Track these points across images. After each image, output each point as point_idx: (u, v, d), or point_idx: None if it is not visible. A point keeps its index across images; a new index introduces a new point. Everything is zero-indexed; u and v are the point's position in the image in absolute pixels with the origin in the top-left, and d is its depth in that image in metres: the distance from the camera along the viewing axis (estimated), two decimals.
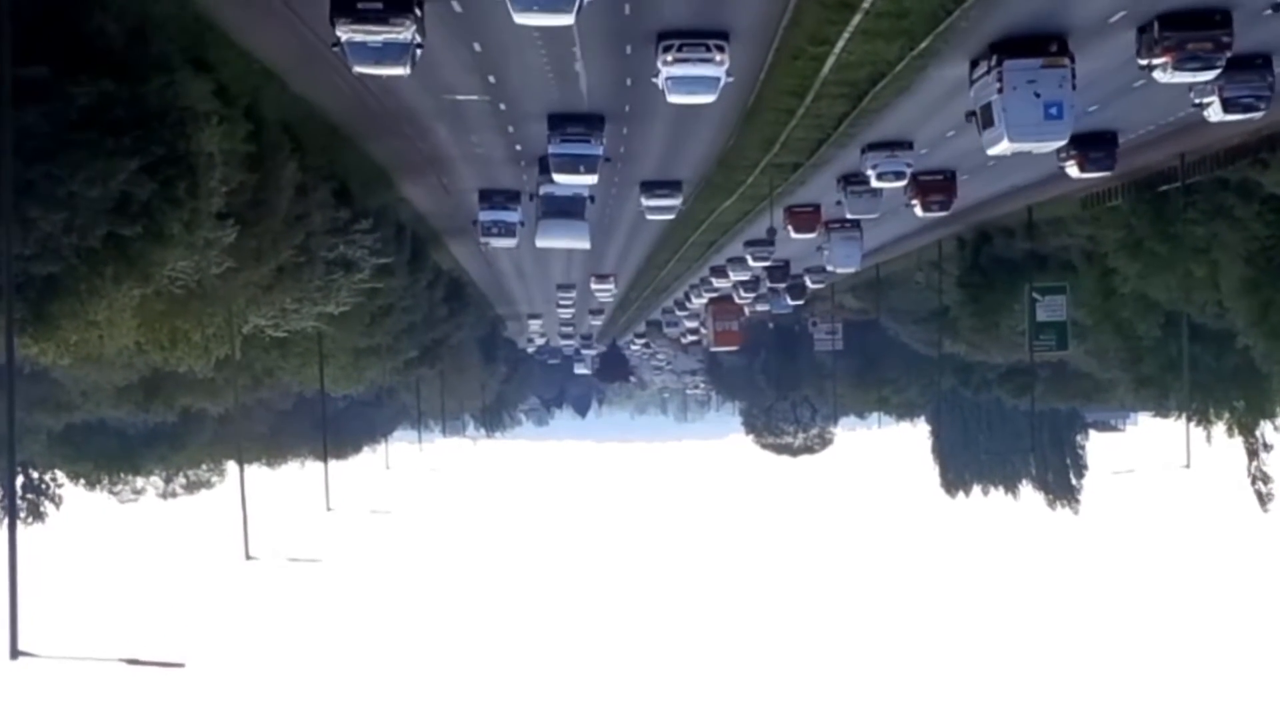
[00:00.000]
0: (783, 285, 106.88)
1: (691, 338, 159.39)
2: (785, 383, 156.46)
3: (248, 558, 55.09)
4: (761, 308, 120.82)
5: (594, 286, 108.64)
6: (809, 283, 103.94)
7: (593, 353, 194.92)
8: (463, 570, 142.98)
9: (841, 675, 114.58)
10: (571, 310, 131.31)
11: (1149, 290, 71.86)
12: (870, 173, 56.85)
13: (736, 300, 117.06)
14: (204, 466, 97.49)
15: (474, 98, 48.78)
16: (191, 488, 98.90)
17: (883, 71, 45.53)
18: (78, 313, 36.84)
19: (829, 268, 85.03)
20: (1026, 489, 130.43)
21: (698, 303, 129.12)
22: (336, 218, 54.94)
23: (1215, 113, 44.49)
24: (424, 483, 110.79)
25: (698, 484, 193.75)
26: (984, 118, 42.71)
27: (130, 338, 44.71)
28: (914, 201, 62.21)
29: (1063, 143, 44.69)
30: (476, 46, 42.63)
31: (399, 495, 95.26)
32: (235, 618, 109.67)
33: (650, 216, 69.21)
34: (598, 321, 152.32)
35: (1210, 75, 40.10)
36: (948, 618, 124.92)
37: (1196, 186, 64.59)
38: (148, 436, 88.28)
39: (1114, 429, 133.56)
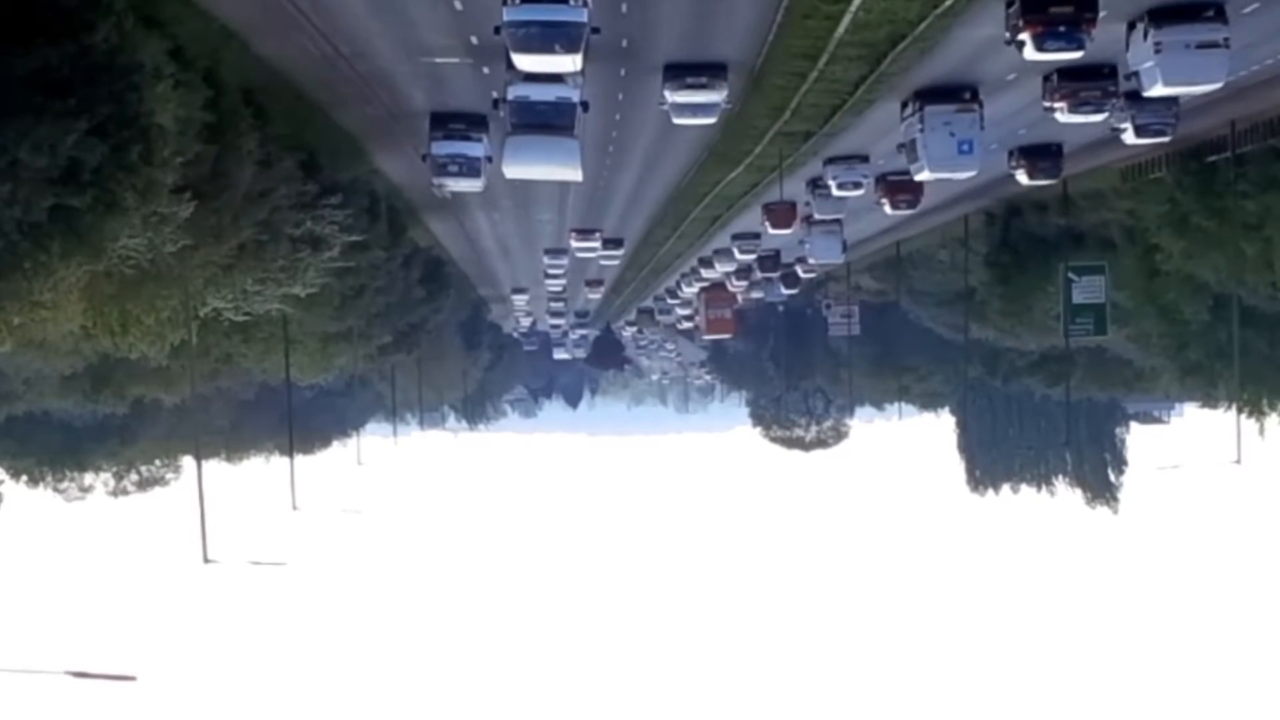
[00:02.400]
0: (775, 274, 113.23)
1: (687, 324, 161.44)
2: (796, 370, 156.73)
3: (206, 561, 55.34)
4: (755, 295, 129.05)
5: (575, 244, 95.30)
6: (800, 272, 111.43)
7: (578, 335, 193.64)
8: (441, 575, 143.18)
9: (862, 687, 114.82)
10: (563, 282, 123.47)
11: (1196, 270, 72.05)
12: (831, 183, 68.57)
13: (729, 288, 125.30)
14: (158, 462, 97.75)
15: (454, 60, 48.98)
16: (144, 485, 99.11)
17: (903, 32, 45.75)
18: (20, 294, 36.94)
19: (810, 260, 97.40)
20: (1062, 486, 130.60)
21: (689, 291, 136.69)
22: (303, 191, 55.11)
23: (1129, 138, 55.61)
24: (399, 479, 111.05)
25: (700, 481, 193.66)
26: (910, 150, 56.12)
27: (77, 321, 44.89)
28: (883, 200, 71.85)
29: (973, 173, 57.26)
30: None
31: (371, 493, 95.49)
32: (192, 626, 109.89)
33: (680, 120, 53.14)
34: (596, 295, 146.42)
35: (1100, 117, 51.80)
36: (975, 626, 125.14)
37: (1248, 156, 64.83)
38: (96, 429, 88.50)
39: (1158, 421, 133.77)
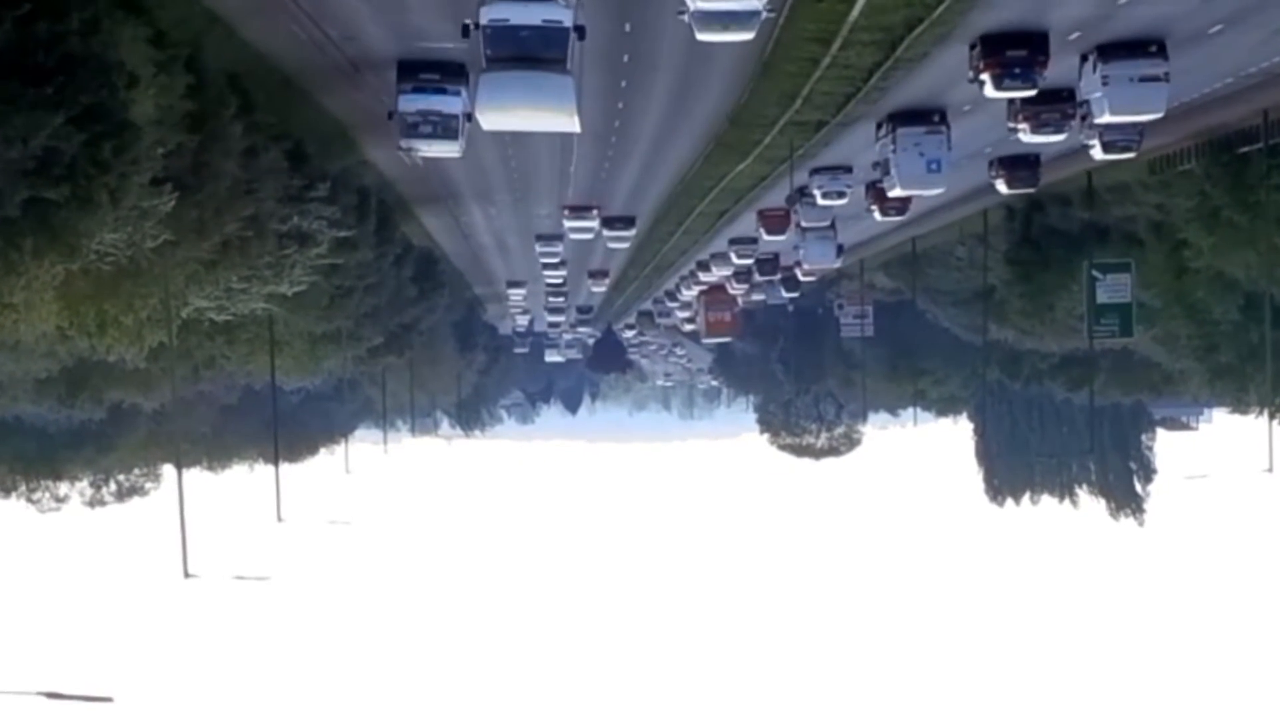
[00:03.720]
0: (775, 277, 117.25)
1: (689, 326, 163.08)
2: (806, 374, 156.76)
3: (187, 575, 55.19)
4: (757, 297, 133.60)
5: (569, 224, 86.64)
6: (799, 275, 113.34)
7: (570, 337, 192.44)
8: (434, 590, 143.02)
9: (876, 705, 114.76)
10: (562, 274, 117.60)
11: (1226, 267, 71.95)
12: (816, 192, 74.66)
13: (729, 290, 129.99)
14: (137, 470, 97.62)
15: (448, 45, 48.86)
16: (123, 495, 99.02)
17: (920, 15, 45.74)
18: None
19: (805, 265, 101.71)
20: (1085, 496, 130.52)
21: (688, 294, 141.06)
22: (290, 184, 54.99)
23: (1098, 153, 61.74)
24: (389, 489, 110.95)
25: (706, 490, 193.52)
26: (884, 168, 63.89)
27: (52, 321, 44.72)
28: (873, 207, 76.80)
29: (941, 190, 65.26)
30: None
31: (360, 503, 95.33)
32: (172, 644, 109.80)
33: (706, 36, 43.13)
34: (600, 288, 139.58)
35: (1060, 137, 58.67)
36: (994, 642, 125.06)
37: None
38: (72, 435, 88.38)
39: (1186, 427, 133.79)
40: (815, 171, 72.90)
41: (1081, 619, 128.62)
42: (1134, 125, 58.43)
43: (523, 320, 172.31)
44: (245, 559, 63.23)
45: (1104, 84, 51.29)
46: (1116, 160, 65.32)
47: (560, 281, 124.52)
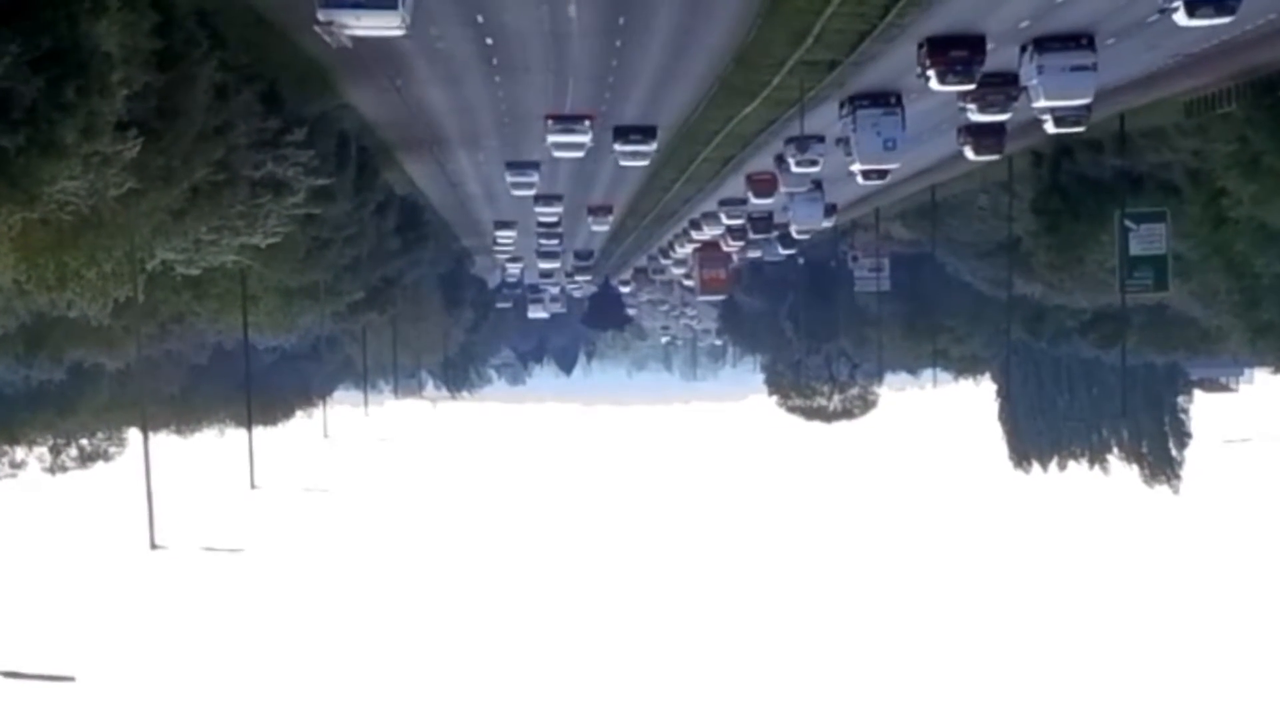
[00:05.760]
0: (772, 235, 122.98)
1: (687, 282, 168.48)
2: (818, 331, 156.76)
3: (154, 546, 55.37)
4: (753, 254, 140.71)
5: (553, 139, 74.65)
6: (794, 232, 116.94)
7: (556, 290, 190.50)
8: (418, 561, 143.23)
9: (890, 682, 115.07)
10: (556, 211, 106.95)
11: (1268, 217, 72.03)
12: (790, 160, 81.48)
13: (724, 247, 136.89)
14: (100, 434, 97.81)
15: None
16: (85, 460, 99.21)
17: None
18: None
19: (793, 227, 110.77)
20: (1116, 461, 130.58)
21: (683, 251, 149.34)
22: (264, 128, 55.10)
23: (1050, 128, 70.07)
24: (370, 454, 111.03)
25: (710, 455, 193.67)
26: (845, 145, 73.27)
27: (9, 275, 44.84)
28: (855, 171, 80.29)
29: (897, 165, 76.09)
30: None
31: (339, 470, 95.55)
32: (137, 620, 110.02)
33: None
34: (602, 227, 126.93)
35: (1005, 116, 68.19)
36: (1019, 616, 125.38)
37: None
38: (30, 397, 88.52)
39: (1224, 387, 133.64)
40: (789, 141, 78.59)
41: (1112, 591, 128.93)
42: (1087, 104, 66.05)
43: (514, 269, 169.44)
44: (216, 529, 63.49)
45: (1039, 73, 59.85)
46: (1068, 134, 73.39)
47: (554, 220, 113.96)
